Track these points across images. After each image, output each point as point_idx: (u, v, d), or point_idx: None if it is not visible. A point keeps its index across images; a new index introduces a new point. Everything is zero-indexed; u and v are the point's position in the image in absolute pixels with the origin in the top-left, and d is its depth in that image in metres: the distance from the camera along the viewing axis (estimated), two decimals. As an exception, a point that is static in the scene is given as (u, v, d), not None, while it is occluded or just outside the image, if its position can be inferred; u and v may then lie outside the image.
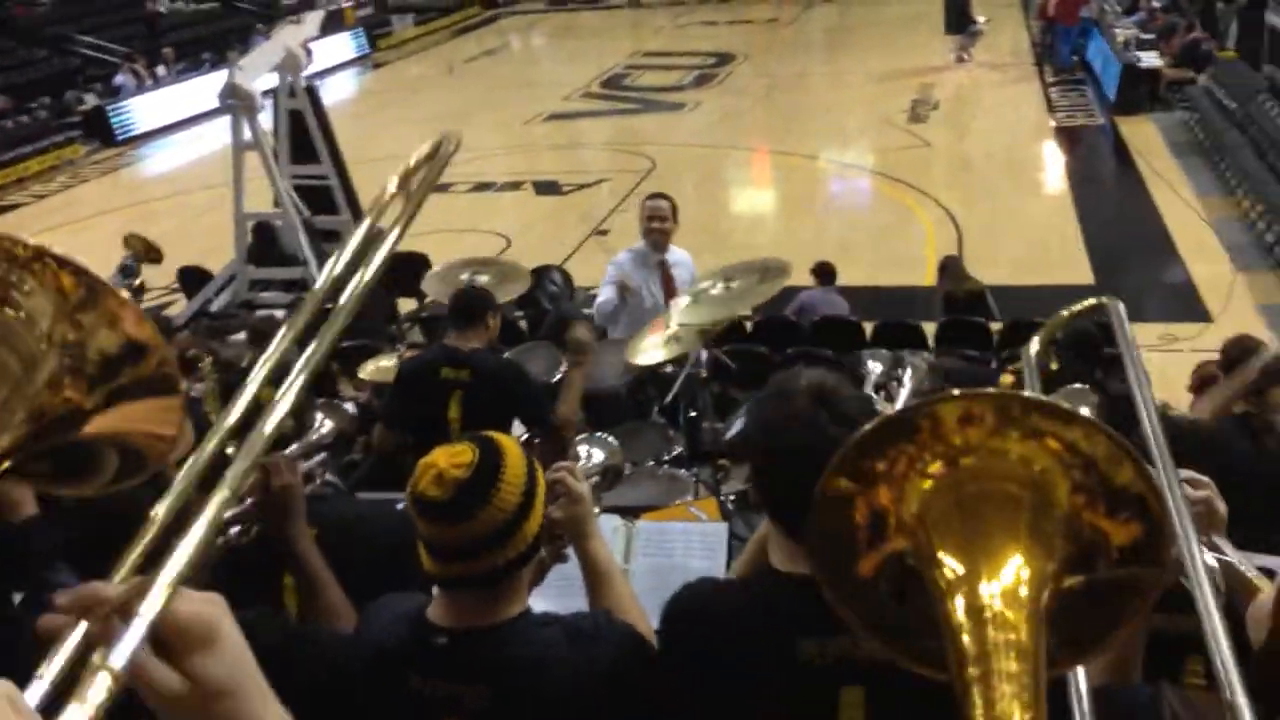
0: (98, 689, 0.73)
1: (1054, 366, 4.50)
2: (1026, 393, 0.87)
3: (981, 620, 0.80)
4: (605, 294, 6.22)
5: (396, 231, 1.16)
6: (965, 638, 0.80)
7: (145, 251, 10.00)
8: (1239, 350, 4.48)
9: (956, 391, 0.86)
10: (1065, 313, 1.95)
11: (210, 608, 0.84)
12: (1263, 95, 13.96)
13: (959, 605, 0.82)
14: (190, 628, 0.82)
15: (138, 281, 9.76)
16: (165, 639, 0.81)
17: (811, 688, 1.72)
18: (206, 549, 0.84)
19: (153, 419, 0.90)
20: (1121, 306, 1.73)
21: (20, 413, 0.84)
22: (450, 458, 1.82)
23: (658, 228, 6.11)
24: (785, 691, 1.75)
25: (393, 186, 1.19)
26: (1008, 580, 0.82)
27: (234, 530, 2.12)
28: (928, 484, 0.86)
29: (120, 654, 0.75)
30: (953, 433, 0.85)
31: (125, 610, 0.78)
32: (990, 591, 0.81)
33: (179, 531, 0.85)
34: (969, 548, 0.83)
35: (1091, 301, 1.75)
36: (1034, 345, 1.76)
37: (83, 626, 0.78)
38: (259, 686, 0.88)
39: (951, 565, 0.83)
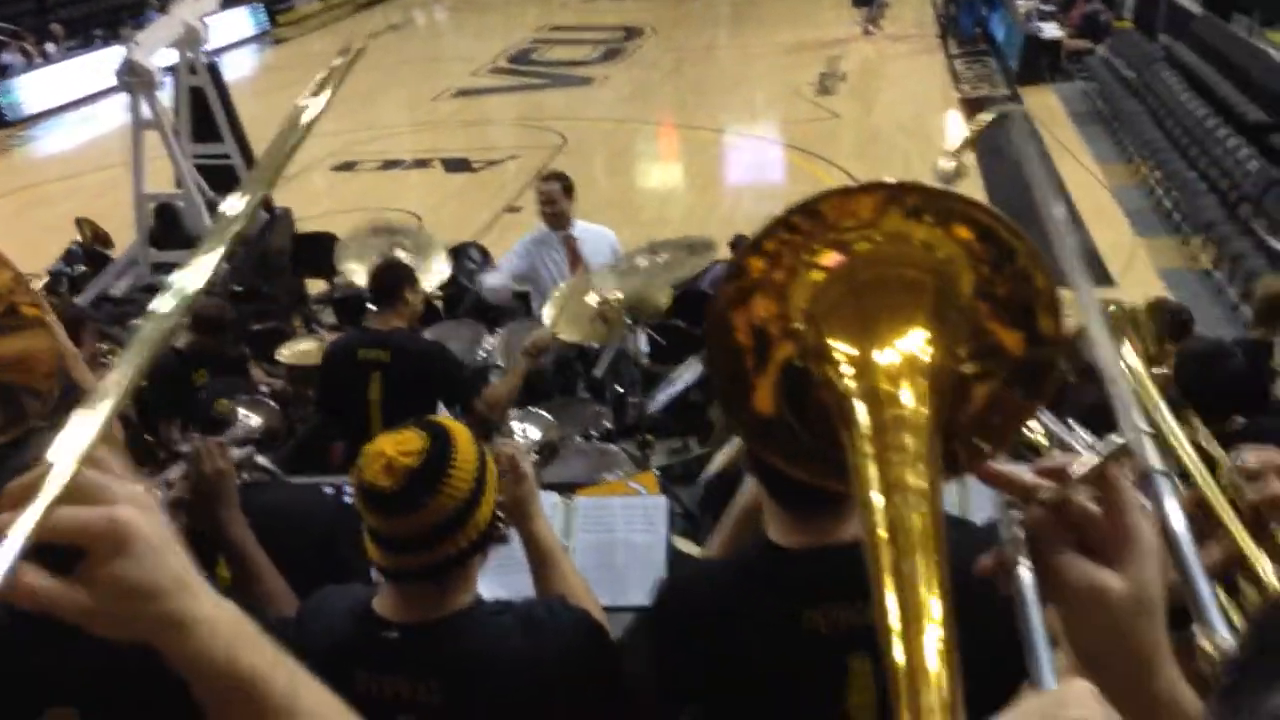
0: None
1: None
2: (928, 183, 0.83)
3: (876, 400, 0.78)
4: (500, 277, 6.28)
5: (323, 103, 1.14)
6: (858, 420, 0.78)
7: (94, 238, 9.70)
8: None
9: (850, 184, 0.82)
10: (973, 128, 1.90)
11: (122, 509, 0.79)
12: (1159, 65, 14.32)
13: (852, 388, 0.80)
14: (100, 534, 0.78)
15: (82, 269, 9.47)
16: (79, 550, 0.78)
17: (819, 658, 1.71)
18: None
19: (19, 359, 0.88)
20: (1023, 110, 1.67)
21: None
22: (398, 445, 1.75)
23: (549, 211, 6.16)
24: (793, 664, 1.73)
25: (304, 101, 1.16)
26: (904, 361, 0.80)
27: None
28: (818, 276, 0.83)
29: None
30: (847, 224, 0.81)
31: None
32: (886, 372, 0.79)
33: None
34: (863, 332, 0.81)
35: (997, 110, 1.71)
36: (946, 164, 1.70)
37: None
38: (184, 582, 0.83)
39: (844, 350, 0.81)
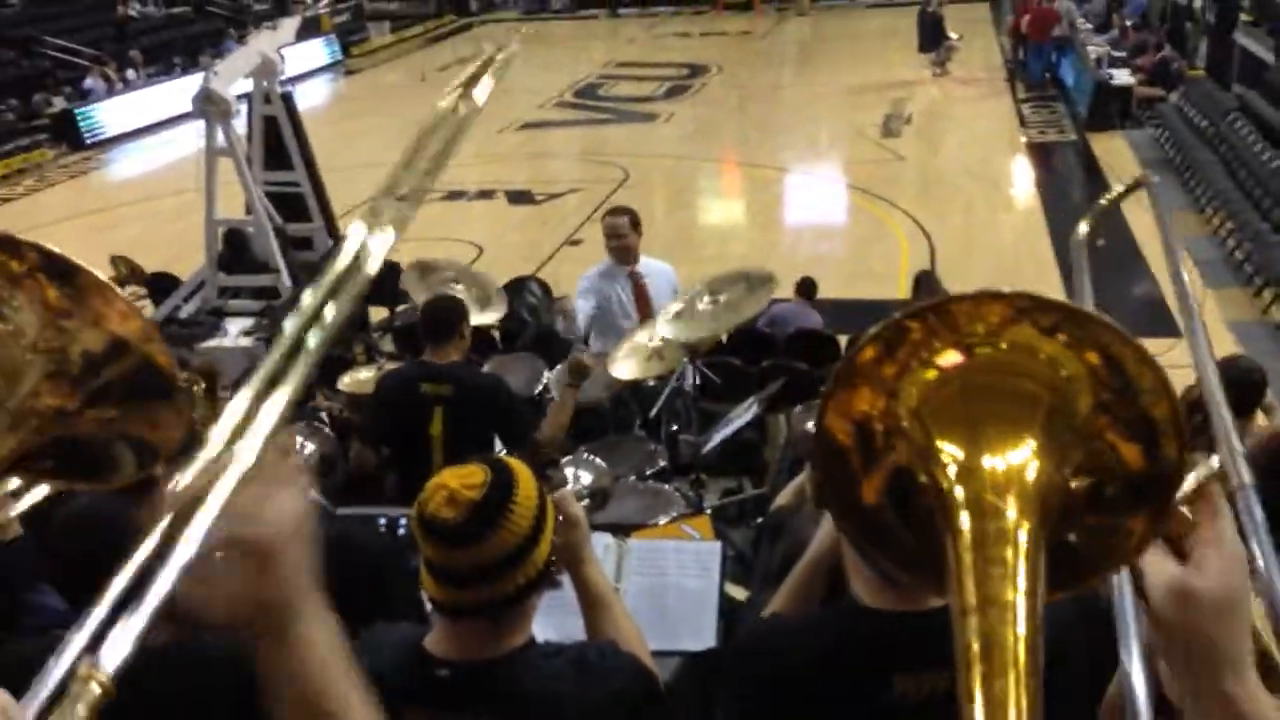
0: (87, 697, 0.73)
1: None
2: (1069, 301, 0.82)
3: (980, 510, 0.78)
4: (583, 311, 6.20)
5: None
6: (960, 529, 0.78)
7: (130, 274, 9.94)
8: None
9: (1001, 289, 0.81)
10: (1106, 199, 1.85)
11: (275, 529, 0.87)
12: (1233, 115, 14.12)
13: (956, 495, 0.79)
14: (249, 548, 0.86)
15: None
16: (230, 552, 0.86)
17: None
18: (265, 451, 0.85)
19: (152, 407, 0.90)
20: (1159, 180, 1.64)
21: (4, 423, 0.83)
22: (462, 479, 1.77)
23: (615, 245, 6.11)
24: None
25: (452, 97, 1.20)
26: (1012, 472, 0.79)
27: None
28: (932, 375, 0.82)
29: (148, 606, 0.76)
30: (975, 328, 0.81)
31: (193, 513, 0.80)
32: (991, 482, 0.79)
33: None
34: (972, 439, 0.80)
35: (1131, 181, 1.66)
36: (1082, 229, 1.64)
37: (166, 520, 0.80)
38: (297, 601, 0.91)
39: (951, 454, 0.80)
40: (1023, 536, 0.77)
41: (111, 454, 0.91)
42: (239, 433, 0.85)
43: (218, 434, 0.85)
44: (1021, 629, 0.74)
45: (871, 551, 0.91)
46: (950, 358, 0.82)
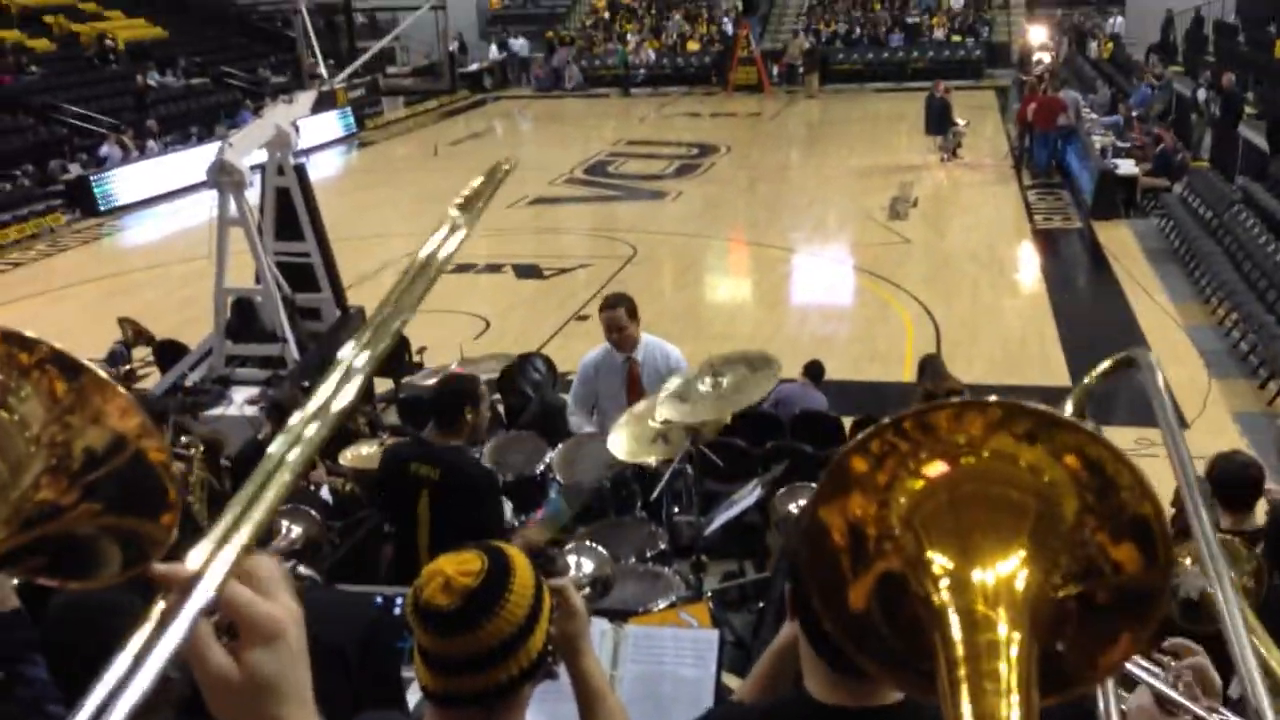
0: None
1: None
2: (1044, 406, 0.83)
3: (971, 622, 0.78)
4: (573, 409, 6.33)
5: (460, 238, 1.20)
6: (953, 641, 0.78)
7: (136, 336, 10.03)
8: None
9: (983, 399, 0.82)
10: (1094, 374, 1.90)
11: (284, 612, 0.89)
12: (1237, 206, 14.24)
13: (948, 607, 0.79)
14: (260, 623, 0.87)
15: (127, 368, 9.76)
16: (235, 627, 0.87)
17: None
18: (267, 526, 0.88)
19: (142, 506, 0.90)
20: (1153, 357, 1.68)
21: (3, 515, 0.83)
22: (458, 565, 1.76)
23: (616, 338, 6.15)
24: None
25: (455, 211, 1.24)
26: (1002, 583, 0.79)
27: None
28: (920, 484, 0.83)
29: (177, 629, 0.78)
30: (957, 437, 0.82)
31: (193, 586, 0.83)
32: (982, 593, 0.79)
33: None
34: (962, 549, 0.81)
35: (1120, 356, 1.70)
36: (1068, 407, 1.70)
37: (160, 606, 0.82)
38: (302, 696, 0.91)
39: (942, 565, 0.80)
40: (1015, 650, 0.77)
41: (99, 551, 0.92)
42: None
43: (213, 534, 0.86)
44: None
45: (858, 655, 0.91)
46: (936, 467, 0.83)
